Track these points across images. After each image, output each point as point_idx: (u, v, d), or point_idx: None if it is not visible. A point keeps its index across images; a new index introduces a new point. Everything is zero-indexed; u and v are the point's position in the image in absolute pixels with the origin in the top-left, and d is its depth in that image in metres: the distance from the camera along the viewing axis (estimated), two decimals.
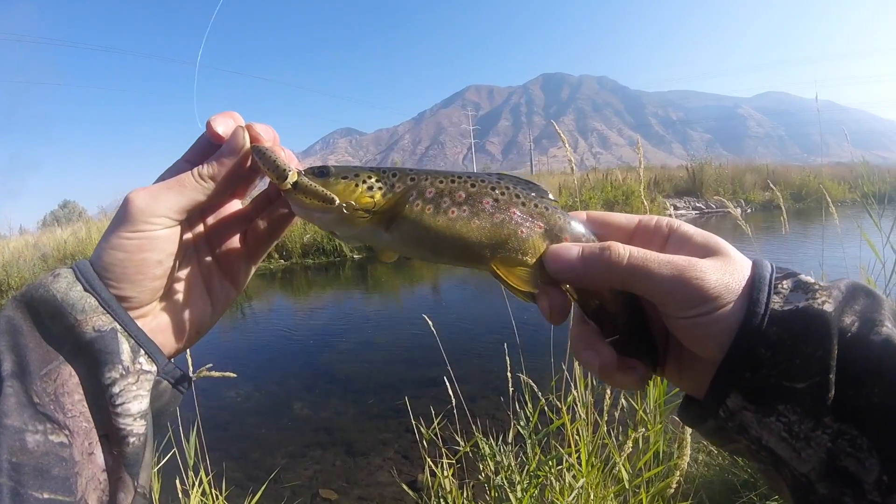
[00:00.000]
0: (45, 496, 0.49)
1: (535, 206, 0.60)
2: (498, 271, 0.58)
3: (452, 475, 2.55)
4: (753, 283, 0.52)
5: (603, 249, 0.55)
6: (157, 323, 0.63)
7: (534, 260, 0.58)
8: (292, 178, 0.60)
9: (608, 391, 2.43)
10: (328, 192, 0.59)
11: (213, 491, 2.52)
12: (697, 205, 25.56)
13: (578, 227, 0.61)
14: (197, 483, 2.47)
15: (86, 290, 0.56)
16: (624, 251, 0.54)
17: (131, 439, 0.55)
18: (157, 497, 2.29)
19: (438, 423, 2.71)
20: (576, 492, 2.16)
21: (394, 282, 13.33)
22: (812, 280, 0.52)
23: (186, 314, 0.66)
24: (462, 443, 2.64)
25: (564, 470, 2.29)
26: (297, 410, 5.75)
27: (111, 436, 0.55)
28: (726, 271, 0.52)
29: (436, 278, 13.38)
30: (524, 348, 2.83)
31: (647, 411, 2.44)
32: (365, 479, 4.21)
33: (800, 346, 0.48)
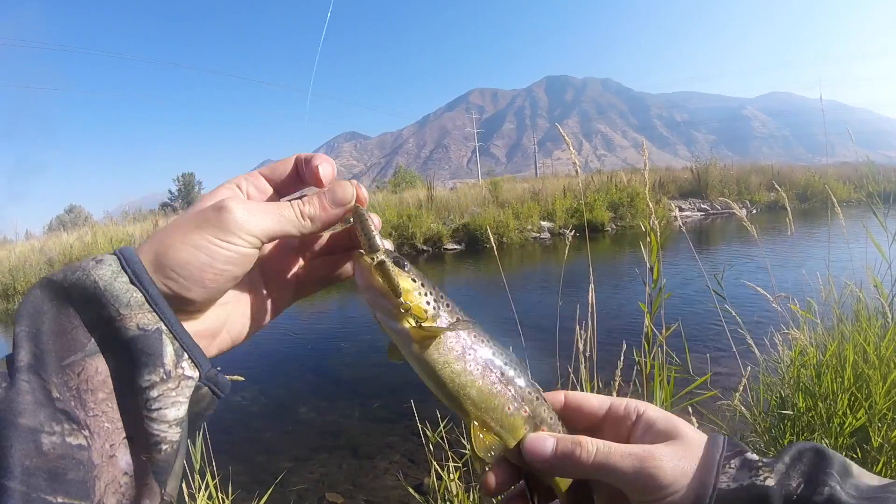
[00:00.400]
0: (59, 500, 0.45)
1: (529, 392, 0.66)
2: (473, 430, 0.62)
3: (458, 479, 2.55)
4: (705, 466, 0.59)
5: (574, 445, 0.61)
6: (201, 328, 0.59)
7: (508, 437, 0.64)
8: (380, 255, 0.61)
9: (615, 393, 2.42)
10: (399, 285, 0.60)
11: (220, 494, 2.52)
12: (703, 206, 25.55)
13: (557, 423, 0.68)
14: (203, 486, 2.48)
15: (132, 282, 0.52)
16: (592, 448, 0.61)
17: (164, 446, 0.51)
18: None
19: (444, 427, 2.70)
20: None
21: None
22: (757, 458, 0.60)
23: (229, 326, 0.64)
24: (468, 446, 2.63)
25: None
26: (303, 414, 5.76)
27: (138, 439, 0.50)
28: (682, 456, 0.60)
29: (440, 281, 13.39)
30: (530, 351, 2.82)
31: None
32: (371, 483, 4.21)
33: None
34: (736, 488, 0.57)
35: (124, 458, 0.50)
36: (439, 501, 2.59)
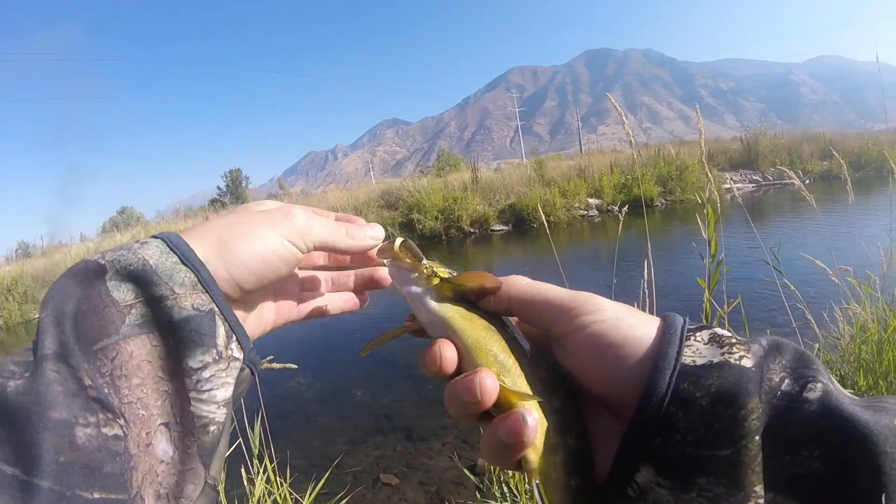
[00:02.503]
0: (96, 496, 0.42)
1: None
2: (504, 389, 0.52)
3: None
4: (662, 333, 0.47)
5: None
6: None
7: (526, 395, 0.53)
8: (398, 241, 0.63)
9: None
10: (420, 253, 0.62)
11: (278, 478, 2.58)
12: (754, 177, 24.81)
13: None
14: (262, 470, 2.54)
15: (183, 263, 0.51)
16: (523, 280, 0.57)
17: (212, 427, 0.50)
18: (223, 486, 2.36)
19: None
20: None
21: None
22: (728, 333, 0.47)
23: (254, 318, 0.64)
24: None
25: None
26: (358, 398, 5.84)
27: (182, 423, 0.48)
28: (630, 314, 0.50)
29: (489, 262, 13.38)
30: None
31: None
32: (425, 464, 4.25)
33: (718, 407, 0.42)
34: (704, 365, 0.44)
35: (160, 446, 0.47)
36: (494, 482, 2.60)
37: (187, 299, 0.49)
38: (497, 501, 2.54)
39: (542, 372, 0.52)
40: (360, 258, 0.73)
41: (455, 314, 0.57)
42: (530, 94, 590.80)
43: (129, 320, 0.47)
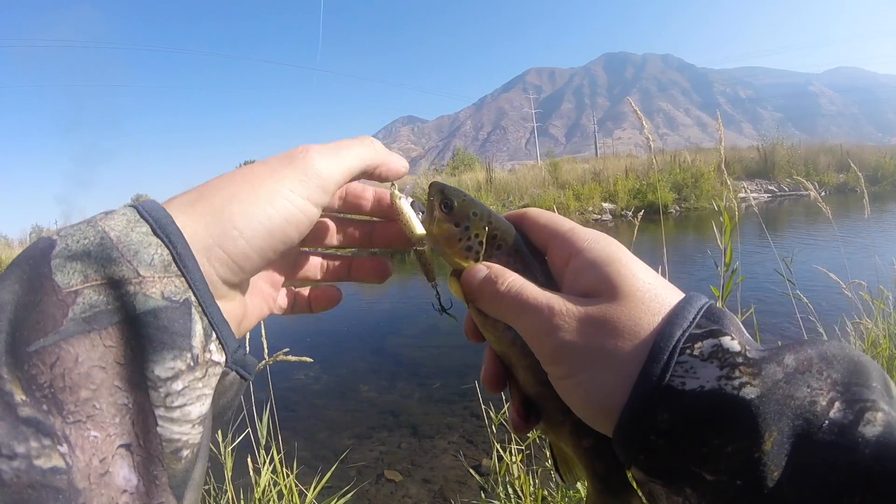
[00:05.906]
0: None
1: None
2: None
3: (521, 461, 2.55)
4: (652, 348, 0.40)
5: (498, 275, 0.49)
6: (226, 308, 0.45)
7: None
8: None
9: None
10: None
11: (284, 469, 2.59)
12: (770, 187, 24.62)
13: None
14: (268, 461, 2.55)
15: (155, 233, 0.39)
16: (510, 279, 0.48)
17: (185, 452, 0.39)
18: (229, 475, 2.37)
19: (508, 408, 2.68)
20: None
21: None
22: (737, 348, 0.39)
23: (241, 307, 0.50)
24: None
25: None
26: (364, 393, 5.86)
27: (145, 445, 0.37)
28: (607, 319, 0.42)
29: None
30: None
31: None
32: (429, 462, 4.26)
33: (705, 436, 0.36)
34: (693, 392, 0.37)
35: (121, 473, 0.36)
36: (499, 483, 2.60)
37: (156, 284, 0.38)
38: (501, 502, 2.54)
39: None
40: (381, 210, 0.60)
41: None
42: (547, 95, 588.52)
43: (72, 312, 0.36)
